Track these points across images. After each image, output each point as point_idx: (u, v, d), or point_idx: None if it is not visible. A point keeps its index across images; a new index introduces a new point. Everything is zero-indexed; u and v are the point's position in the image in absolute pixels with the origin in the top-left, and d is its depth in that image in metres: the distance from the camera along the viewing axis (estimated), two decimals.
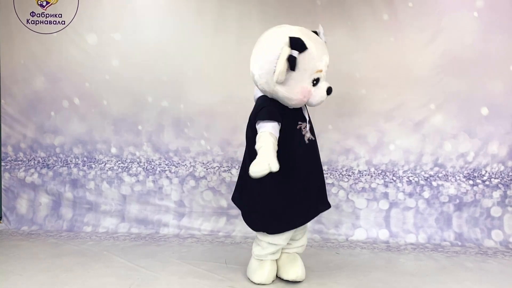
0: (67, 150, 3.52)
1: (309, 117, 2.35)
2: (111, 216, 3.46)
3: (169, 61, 3.38)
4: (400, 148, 3.33)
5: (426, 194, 3.32)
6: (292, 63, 2.05)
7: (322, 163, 2.43)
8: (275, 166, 1.90)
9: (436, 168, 3.32)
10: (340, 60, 3.24)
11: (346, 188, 3.37)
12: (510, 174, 3.28)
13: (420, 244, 3.19)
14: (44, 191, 3.51)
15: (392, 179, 3.35)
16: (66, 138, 3.50)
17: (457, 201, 3.30)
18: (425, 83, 3.27)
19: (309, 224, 2.49)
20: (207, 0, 3.34)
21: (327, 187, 3.26)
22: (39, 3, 3.40)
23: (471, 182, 3.30)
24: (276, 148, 2.05)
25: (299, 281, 2.38)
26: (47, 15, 3.41)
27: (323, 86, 2.16)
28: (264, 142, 2.03)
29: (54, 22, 3.42)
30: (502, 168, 3.28)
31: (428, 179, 3.32)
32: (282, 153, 2.08)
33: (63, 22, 3.41)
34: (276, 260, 2.43)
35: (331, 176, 3.36)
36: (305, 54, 2.07)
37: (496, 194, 3.28)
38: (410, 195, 3.34)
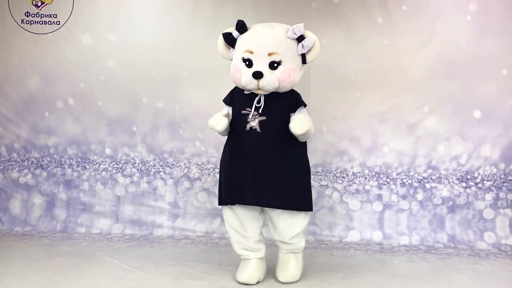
0: (61, 151, 3.50)
1: (266, 112, 2.26)
2: (105, 217, 3.44)
3: (164, 62, 3.38)
4: (394, 150, 3.34)
5: (420, 196, 3.33)
6: (226, 38, 2.28)
7: (301, 164, 2.35)
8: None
9: (430, 171, 3.34)
10: (335, 63, 3.28)
11: (340, 190, 3.38)
12: (503, 176, 3.30)
13: (413, 246, 3.20)
14: (38, 191, 3.50)
15: (386, 181, 3.36)
16: (60, 138, 3.49)
17: (450, 203, 3.31)
18: (418, 86, 3.29)
19: None
20: (203, 1, 3.34)
21: (321, 189, 3.36)
22: (34, 3, 3.39)
23: (464, 184, 3.31)
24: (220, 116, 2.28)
25: (292, 282, 2.40)
26: (42, 15, 3.40)
27: (253, 68, 2.20)
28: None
29: (49, 23, 3.41)
30: (494, 170, 3.30)
31: (422, 181, 3.34)
32: (229, 134, 2.36)
33: (58, 23, 3.41)
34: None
35: (325, 178, 3.37)
36: (244, 34, 2.25)
37: (489, 197, 3.30)
38: (404, 197, 3.35)
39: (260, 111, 2.26)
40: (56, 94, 3.45)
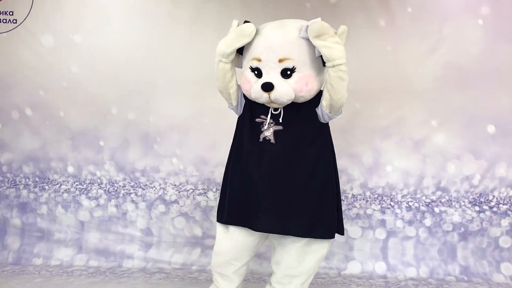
0: (15, 169, 3.28)
1: (283, 121, 2.04)
2: (66, 246, 3.20)
3: (137, 67, 3.18)
4: (399, 169, 3.15)
5: (428, 221, 3.13)
6: None
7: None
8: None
9: (439, 193, 3.13)
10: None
11: None
12: None
13: (422, 279, 2.96)
14: None
15: (390, 204, 3.16)
16: (15, 154, 3.27)
17: (462, 229, 3.11)
18: (425, 97, 3.11)
19: None
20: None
21: None
22: None
23: (477, 208, 3.11)
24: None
25: None
26: None
27: (262, 79, 1.95)
28: None
29: (4, 21, 3.20)
30: (511, 192, 3.11)
31: (430, 205, 3.14)
32: (236, 144, 2.11)
33: (14, 21, 3.20)
34: None
35: None
36: (252, 40, 1.98)
37: (505, 222, 3.09)
38: (410, 222, 3.14)
39: (280, 120, 2.01)
40: (11, 103, 3.23)
